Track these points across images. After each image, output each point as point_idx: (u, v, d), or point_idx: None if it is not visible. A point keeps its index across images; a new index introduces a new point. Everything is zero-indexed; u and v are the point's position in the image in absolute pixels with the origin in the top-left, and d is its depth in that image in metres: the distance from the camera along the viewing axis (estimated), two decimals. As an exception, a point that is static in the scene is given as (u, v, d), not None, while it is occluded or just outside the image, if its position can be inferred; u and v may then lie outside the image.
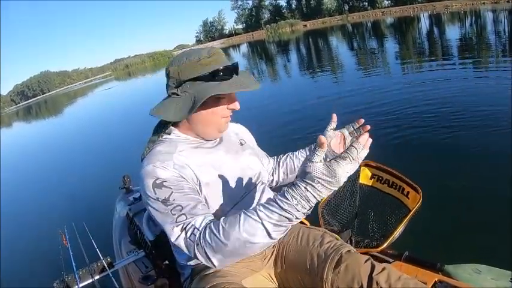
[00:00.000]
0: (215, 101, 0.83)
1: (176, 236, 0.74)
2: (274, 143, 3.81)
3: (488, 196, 2.01)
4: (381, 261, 1.10)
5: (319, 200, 0.64)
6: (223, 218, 0.72)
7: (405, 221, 1.09)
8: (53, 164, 6.65)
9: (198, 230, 0.72)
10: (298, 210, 0.64)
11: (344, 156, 0.61)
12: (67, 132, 10.57)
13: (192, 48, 0.93)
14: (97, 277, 1.28)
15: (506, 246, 1.55)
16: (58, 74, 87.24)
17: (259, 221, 0.66)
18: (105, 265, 1.30)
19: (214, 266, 0.72)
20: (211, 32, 77.06)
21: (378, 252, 1.11)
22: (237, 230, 0.67)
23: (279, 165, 1.15)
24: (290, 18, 56.69)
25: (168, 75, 0.85)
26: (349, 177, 0.65)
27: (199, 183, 0.83)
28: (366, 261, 0.79)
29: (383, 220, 1.16)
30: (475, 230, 1.78)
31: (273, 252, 0.97)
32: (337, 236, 0.99)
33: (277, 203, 0.65)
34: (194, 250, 0.72)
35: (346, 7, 51.10)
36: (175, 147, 0.85)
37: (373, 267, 0.78)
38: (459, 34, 11.05)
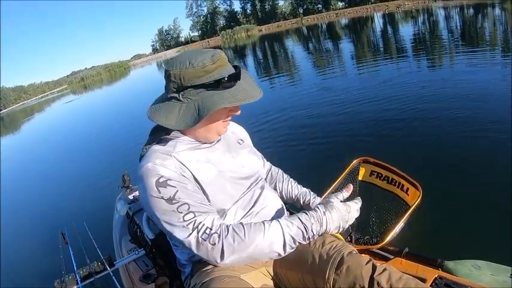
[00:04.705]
0: (219, 109, 0.81)
1: (187, 234, 0.74)
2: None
3: (488, 192, 2.01)
4: (381, 257, 1.10)
5: (329, 229, 0.79)
6: (244, 222, 0.79)
7: (405, 217, 1.09)
8: (53, 164, 6.63)
9: (211, 229, 0.74)
10: (312, 230, 0.77)
11: (356, 201, 0.85)
12: (64, 134, 10.53)
13: (193, 50, 0.91)
14: (97, 276, 1.28)
15: (506, 241, 1.55)
16: (14, 89, 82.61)
17: (281, 230, 0.76)
18: (106, 264, 1.30)
19: (222, 264, 0.75)
20: (167, 40, 76.33)
21: (378, 249, 1.11)
22: (262, 235, 0.75)
23: (273, 180, 1.17)
24: (245, 24, 56.42)
25: (168, 77, 0.81)
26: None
27: (200, 182, 0.83)
28: (367, 263, 0.80)
29: (383, 217, 1.16)
30: (475, 226, 1.78)
31: None
32: (338, 235, 0.99)
33: (298, 218, 0.78)
34: (207, 249, 0.74)
35: (301, 10, 51.46)
36: (173, 147, 0.85)
37: (374, 268, 0.78)
38: (413, 32, 11.17)
